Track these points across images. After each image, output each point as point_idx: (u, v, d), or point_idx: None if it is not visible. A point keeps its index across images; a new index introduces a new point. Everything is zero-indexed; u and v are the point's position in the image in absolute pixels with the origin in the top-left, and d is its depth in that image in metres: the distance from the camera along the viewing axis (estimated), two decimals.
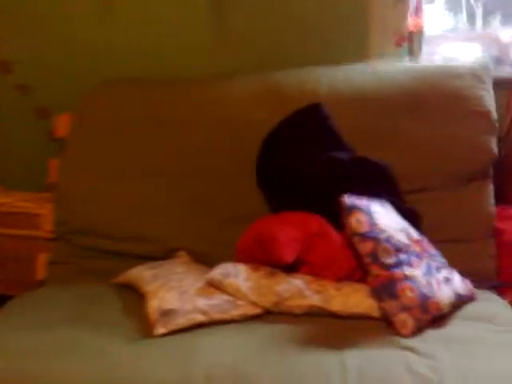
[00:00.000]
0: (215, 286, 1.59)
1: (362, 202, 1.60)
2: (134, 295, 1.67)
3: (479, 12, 2.36)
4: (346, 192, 1.63)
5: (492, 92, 1.93)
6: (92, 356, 1.40)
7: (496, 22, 2.37)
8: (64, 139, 2.06)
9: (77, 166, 2.00)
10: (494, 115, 1.89)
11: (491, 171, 1.87)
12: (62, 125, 2.09)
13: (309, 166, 1.80)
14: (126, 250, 1.89)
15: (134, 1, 2.16)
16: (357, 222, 1.55)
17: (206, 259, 1.81)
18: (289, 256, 1.60)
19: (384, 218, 1.59)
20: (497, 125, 1.89)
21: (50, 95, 2.25)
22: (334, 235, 1.67)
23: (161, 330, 1.47)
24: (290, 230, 1.65)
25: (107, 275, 1.80)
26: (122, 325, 1.54)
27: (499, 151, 1.90)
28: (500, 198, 1.93)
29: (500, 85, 2.04)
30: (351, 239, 1.57)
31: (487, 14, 2.36)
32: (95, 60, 2.21)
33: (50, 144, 2.15)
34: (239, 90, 1.99)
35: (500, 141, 1.99)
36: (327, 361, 1.35)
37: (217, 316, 1.52)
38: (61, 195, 1.98)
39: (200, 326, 1.51)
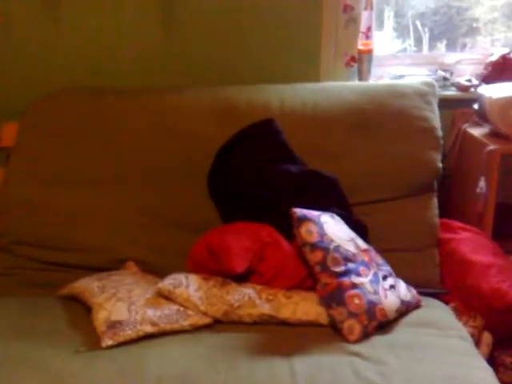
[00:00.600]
0: (165, 296, 1.58)
1: (312, 213, 1.63)
2: (81, 307, 1.64)
3: (426, 37, 2.46)
4: (296, 203, 1.65)
5: (437, 111, 2.01)
6: (37, 368, 1.37)
7: (441, 46, 2.48)
8: (9, 148, 2.02)
9: (20, 176, 1.95)
10: (439, 132, 1.96)
11: (435, 185, 1.94)
12: (8, 134, 2.04)
13: (261, 178, 1.83)
14: (71, 261, 1.85)
15: (86, 9, 2.13)
16: (307, 232, 1.58)
17: (155, 270, 1.80)
18: (240, 266, 1.61)
19: (333, 228, 1.62)
20: (441, 141, 1.96)
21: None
22: (285, 245, 1.69)
23: (108, 342, 1.45)
24: (242, 240, 1.66)
25: (52, 287, 1.76)
26: (68, 337, 1.51)
27: (444, 167, 1.97)
28: (446, 212, 2.01)
29: (445, 104, 2.13)
30: (301, 249, 1.59)
31: (433, 39, 2.47)
32: (45, 68, 2.18)
33: None
34: (190, 103, 1.99)
35: (445, 157, 2.07)
36: (277, 368, 1.37)
37: (166, 326, 1.51)
38: (3, 205, 1.93)
39: (149, 336, 1.49)
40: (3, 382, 1.33)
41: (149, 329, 1.49)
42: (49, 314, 1.63)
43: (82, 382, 1.33)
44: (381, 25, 2.45)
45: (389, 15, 2.46)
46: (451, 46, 2.46)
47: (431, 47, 2.47)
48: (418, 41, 2.47)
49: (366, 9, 2.18)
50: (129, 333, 1.47)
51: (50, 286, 1.77)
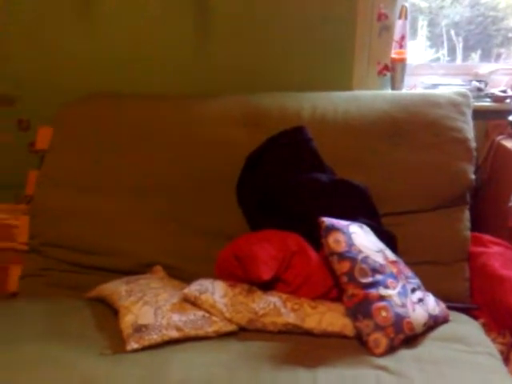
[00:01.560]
0: (191, 302, 1.58)
1: (340, 222, 1.61)
2: (107, 310, 1.66)
3: (460, 47, 2.43)
4: (325, 213, 1.65)
5: (471, 122, 1.98)
6: (63, 370, 1.39)
7: (476, 56, 2.44)
8: (44, 152, 2.05)
9: (53, 179, 1.98)
10: (472, 144, 1.93)
11: (468, 198, 1.91)
12: (43, 137, 2.07)
13: (290, 186, 1.82)
14: (99, 265, 1.87)
15: (117, 17, 2.16)
16: (335, 241, 1.57)
17: (182, 275, 1.80)
18: (266, 274, 1.61)
19: (361, 238, 1.61)
20: (474, 153, 1.93)
21: (33, 107, 2.24)
22: (312, 254, 1.68)
23: (134, 346, 1.46)
24: (269, 248, 1.66)
25: (81, 289, 1.78)
26: (94, 339, 1.53)
27: (477, 178, 1.94)
28: (476, 225, 1.97)
29: (479, 115, 2.10)
30: (329, 258, 1.58)
31: (467, 49, 2.43)
32: (79, 73, 2.21)
33: (31, 156, 2.14)
34: (220, 110, 1.99)
35: (477, 169, 2.03)
36: (300, 378, 1.35)
37: (191, 332, 1.52)
38: (36, 207, 1.97)
39: (174, 341, 1.50)
40: (28, 381, 1.35)
41: (174, 334, 1.50)
42: (76, 316, 1.65)
43: None
44: (414, 33, 2.42)
45: (422, 24, 2.44)
46: (485, 56, 2.42)
47: (465, 57, 2.43)
48: (452, 50, 2.44)
49: (400, 17, 2.16)
50: (154, 337, 1.48)
51: (79, 288, 1.79)
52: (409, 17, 2.19)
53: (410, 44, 2.33)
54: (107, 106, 2.06)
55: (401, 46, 2.20)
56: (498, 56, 2.42)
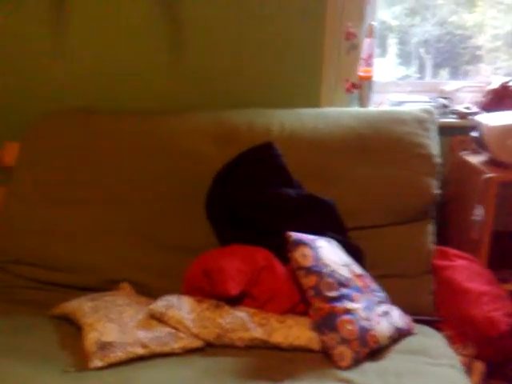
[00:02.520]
0: (157, 318, 1.57)
1: (307, 237, 1.63)
2: (71, 327, 1.64)
3: (429, 64, 2.48)
4: (292, 227, 1.66)
5: (436, 138, 2.01)
6: None
7: (444, 73, 2.49)
8: (11, 167, 2.04)
9: (18, 196, 1.97)
10: (437, 159, 1.97)
11: (432, 212, 1.94)
12: (10, 153, 2.07)
13: (258, 201, 1.83)
14: (64, 281, 1.85)
15: (90, 31, 2.16)
16: (302, 256, 1.58)
17: (150, 291, 1.79)
18: (234, 288, 1.61)
19: (328, 253, 1.62)
20: (439, 168, 1.96)
21: (1, 122, 2.21)
22: (280, 269, 1.69)
23: (98, 364, 1.45)
24: (237, 263, 1.66)
25: (44, 306, 1.75)
26: (56, 357, 1.51)
27: (441, 194, 1.98)
28: (441, 239, 2.00)
29: (444, 131, 2.14)
30: (296, 273, 1.59)
31: (437, 67, 2.48)
32: (47, 89, 2.20)
33: None
34: (190, 126, 2.00)
35: (442, 184, 2.07)
36: None
37: (157, 349, 1.50)
38: (2, 224, 1.94)
39: (139, 358, 1.48)
40: None
41: (139, 351, 1.49)
42: (39, 334, 1.62)
43: None
44: (384, 51, 2.47)
45: (392, 42, 2.49)
46: (454, 74, 2.48)
47: (434, 74, 2.49)
48: (422, 68, 2.49)
49: (367, 36, 2.21)
50: (119, 354, 1.47)
51: (43, 305, 1.76)
52: (376, 35, 2.23)
53: (380, 62, 2.37)
54: (75, 122, 2.05)
55: (368, 64, 2.23)
56: (466, 73, 2.48)
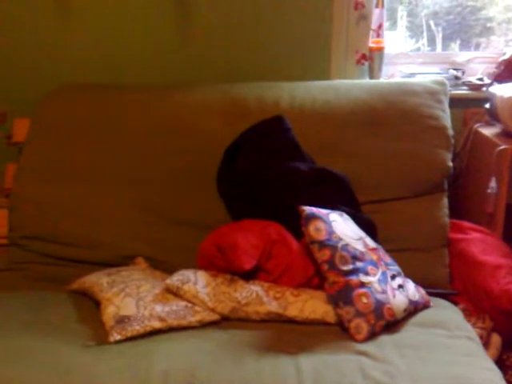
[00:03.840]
0: (173, 293, 1.59)
1: (320, 211, 1.62)
2: (89, 302, 1.65)
3: (439, 37, 2.45)
4: (305, 201, 1.65)
5: (448, 110, 2.00)
6: (45, 363, 1.38)
7: (455, 46, 2.46)
8: (21, 144, 2.03)
9: (31, 172, 1.97)
10: (450, 131, 1.95)
11: (446, 185, 1.93)
12: (20, 130, 2.06)
13: (270, 176, 1.82)
14: (80, 257, 1.86)
15: (98, 6, 2.14)
16: (315, 230, 1.57)
17: (164, 266, 1.80)
18: (248, 263, 1.61)
19: (342, 226, 1.62)
20: (452, 141, 1.95)
21: (9, 99, 2.21)
22: (293, 243, 1.69)
23: (116, 337, 1.46)
24: (250, 238, 1.66)
25: (62, 282, 1.77)
26: (76, 332, 1.52)
27: (455, 166, 1.96)
28: (455, 212, 1.99)
29: (457, 103, 2.12)
30: (309, 247, 1.59)
31: (447, 39, 2.45)
32: (56, 64, 2.19)
33: (8, 149, 2.12)
34: (199, 100, 1.99)
35: (455, 156, 2.05)
36: (283, 365, 1.36)
37: (174, 322, 1.52)
38: (14, 200, 1.95)
39: (157, 332, 1.50)
40: (11, 375, 1.34)
41: (156, 324, 1.50)
42: (58, 309, 1.64)
43: (89, 377, 1.34)
44: (394, 24, 2.44)
45: (402, 15, 2.45)
46: (465, 46, 2.45)
47: (445, 47, 2.45)
48: (432, 40, 2.46)
49: (377, 6, 2.17)
50: (137, 328, 1.48)
51: (60, 280, 1.78)
52: (386, 5, 2.20)
53: (389, 34, 2.34)
54: (86, 97, 2.04)
55: (378, 35, 2.21)
56: (477, 46, 2.45)
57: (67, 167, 1.95)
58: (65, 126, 1.99)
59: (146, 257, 1.84)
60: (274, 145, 1.87)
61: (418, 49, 2.46)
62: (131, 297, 1.56)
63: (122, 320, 1.49)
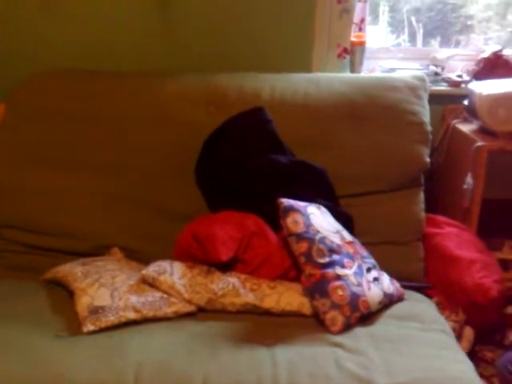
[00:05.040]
0: (149, 283, 1.57)
1: (298, 203, 1.62)
2: (63, 292, 1.63)
3: (420, 33, 2.46)
4: (283, 194, 1.65)
5: (427, 105, 2.01)
6: (18, 353, 1.36)
7: (435, 42, 2.47)
8: None
9: (5, 159, 1.92)
10: (428, 127, 1.96)
11: (422, 179, 1.94)
12: None
13: (249, 168, 1.82)
14: (55, 246, 1.83)
15: None
16: (293, 222, 1.58)
17: (140, 256, 1.79)
18: (225, 254, 1.61)
19: (319, 219, 1.62)
20: (430, 136, 1.96)
21: None
22: (271, 235, 1.69)
23: (90, 328, 1.45)
24: (228, 229, 1.66)
25: (36, 271, 1.74)
26: (49, 322, 1.50)
27: (432, 162, 1.98)
28: (432, 207, 2.01)
29: (436, 99, 2.13)
30: (287, 239, 1.59)
31: (427, 36, 2.46)
32: (33, 50, 2.14)
33: None
34: (179, 89, 1.96)
35: (433, 152, 2.07)
36: (259, 357, 1.37)
37: (149, 313, 1.51)
38: None
39: (132, 323, 1.48)
40: None
41: (131, 315, 1.49)
42: (31, 298, 1.61)
43: (62, 367, 1.33)
44: (376, 19, 2.44)
45: (384, 10, 2.46)
46: (445, 43, 2.46)
47: (425, 43, 2.47)
48: (412, 36, 2.47)
49: (360, 0, 2.17)
50: (111, 319, 1.47)
51: (34, 270, 1.76)
52: (368, 1, 2.20)
53: (371, 29, 2.34)
54: (63, 84, 2.00)
55: (360, 29, 2.21)
56: (457, 43, 2.47)
57: (42, 155, 1.92)
58: (40, 113, 1.95)
59: (121, 247, 1.82)
60: (253, 136, 1.86)
61: (399, 44, 2.47)
62: (106, 287, 1.54)
63: (96, 310, 1.48)
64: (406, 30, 2.46)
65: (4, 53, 2.15)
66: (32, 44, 2.15)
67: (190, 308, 1.55)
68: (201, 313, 1.56)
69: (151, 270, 1.59)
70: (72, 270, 1.65)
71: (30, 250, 1.84)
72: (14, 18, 2.13)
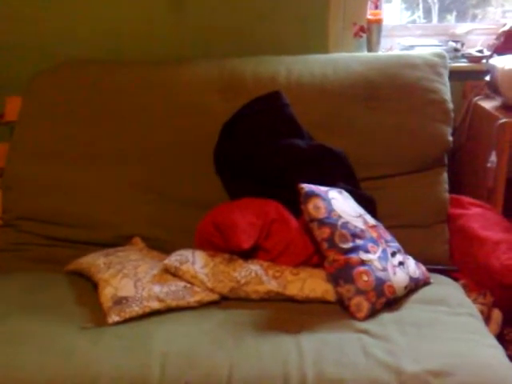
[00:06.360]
0: (172, 273, 1.57)
1: (319, 188, 1.60)
2: (87, 283, 1.64)
3: (435, 8, 2.40)
4: (303, 179, 1.63)
5: (448, 83, 1.96)
6: (44, 346, 1.37)
7: (451, 18, 2.42)
8: (13, 123, 2.00)
9: (25, 151, 1.93)
10: (449, 105, 1.92)
11: (446, 160, 1.91)
12: (12, 108, 2.02)
13: (267, 153, 1.80)
14: (77, 237, 1.84)
15: None
16: (315, 208, 1.55)
17: (161, 246, 1.79)
18: (246, 242, 1.59)
19: (341, 204, 1.60)
20: (452, 114, 1.92)
21: (1, 77, 2.16)
22: (292, 221, 1.67)
23: (115, 318, 1.45)
24: (249, 216, 1.64)
25: (59, 263, 1.75)
26: (74, 313, 1.51)
27: (454, 140, 1.94)
28: (455, 187, 1.98)
29: (456, 76, 2.08)
30: (309, 225, 1.57)
31: (443, 11, 2.41)
32: (49, 41, 2.14)
33: (0, 128, 2.08)
34: (195, 75, 1.95)
35: (455, 130, 2.03)
36: (284, 344, 1.35)
37: (173, 303, 1.50)
38: (8, 180, 1.92)
39: (156, 313, 1.48)
40: (8, 358, 1.33)
41: (155, 305, 1.49)
42: (55, 290, 1.62)
43: (88, 359, 1.33)
44: None
45: None
46: (461, 18, 2.41)
47: (441, 19, 2.42)
48: (428, 12, 2.41)
49: None
50: (135, 309, 1.47)
51: (56, 261, 1.77)
52: None
53: (385, 7, 2.30)
54: (80, 75, 2.00)
55: (376, 7, 2.17)
56: (474, 17, 2.41)
57: (62, 146, 1.92)
58: (59, 104, 1.95)
59: (143, 237, 1.82)
60: (271, 121, 1.84)
61: (414, 21, 2.42)
62: (129, 277, 1.54)
63: (120, 301, 1.48)
64: (421, 7, 2.41)
65: (20, 46, 2.15)
66: (47, 36, 2.15)
67: (213, 297, 1.54)
68: (224, 301, 1.55)
69: (173, 260, 1.58)
70: (95, 261, 1.65)
71: (51, 242, 1.85)
72: (30, 10, 2.12)
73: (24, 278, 1.71)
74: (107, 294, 1.51)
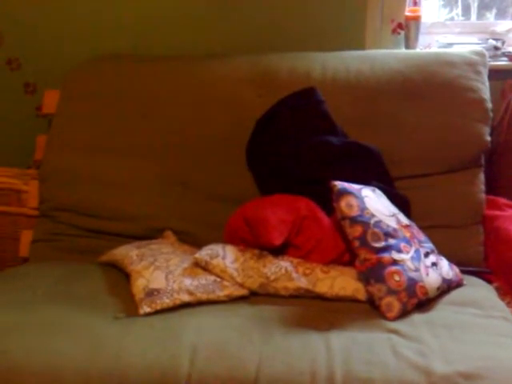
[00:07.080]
0: (202, 267, 1.58)
1: (352, 186, 1.59)
2: (119, 274, 1.66)
3: (474, 5, 2.36)
4: (336, 176, 1.62)
5: (487, 81, 1.93)
6: (76, 334, 1.39)
7: (491, 15, 2.37)
8: (51, 116, 2.03)
9: (62, 143, 1.97)
10: (488, 104, 1.89)
11: (483, 160, 1.88)
12: (50, 101, 2.06)
13: (301, 150, 1.79)
14: (110, 229, 1.87)
15: None
16: (347, 206, 1.54)
17: (192, 240, 1.80)
18: (277, 239, 1.59)
19: (374, 202, 1.58)
20: (490, 114, 1.89)
21: (40, 70, 2.22)
22: (323, 218, 1.66)
23: (146, 309, 1.46)
24: (280, 213, 1.64)
25: (92, 254, 1.78)
26: (106, 304, 1.53)
27: (492, 140, 1.90)
28: (492, 188, 1.94)
29: (495, 75, 2.04)
30: (341, 223, 1.56)
31: (482, 8, 2.36)
32: (86, 35, 2.18)
33: (38, 120, 2.13)
34: (230, 70, 1.96)
35: (493, 130, 1.99)
36: (312, 342, 1.35)
37: (203, 296, 1.51)
38: (45, 172, 1.96)
39: (186, 305, 1.50)
40: (41, 346, 1.35)
41: (186, 298, 1.50)
42: (88, 281, 1.65)
43: (119, 349, 1.34)
44: None
45: None
46: (501, 16, 2.36)
47: (480, 17, 2.37)
48: (466, 10, 2.37)
49: None
50: (166, 301, 1.48)
51: (90, 252, 1.80)
52: None
53: (423, 3, 2.26)
54: (116, 68, 2.03)
55: (415, 4, 2.15)
56: None
57: (98, 138, 1.95)
58: (95, 98, 1.99)
59: (174, 230, 1.84)
60: (305, 117, 1.83)
61: (452, 18, 2.38)
62: (160, 270, 1.56)
63: (151, 293, 1.50)
64: (460, 4, 2.36)
65: (58, 40, 2.19)
66: (86, 29, 2.18)
67: (243, 291, 1.55)
68: (253, 296, 1.55)
69: (204, 254, 1.59)
70: (128, 253, 1.67)
71: (84, 233, 1.88)
72: (69, 3, 2.16)
73: (59, 267, 1.74)
74: (139, 285, 1.53)
